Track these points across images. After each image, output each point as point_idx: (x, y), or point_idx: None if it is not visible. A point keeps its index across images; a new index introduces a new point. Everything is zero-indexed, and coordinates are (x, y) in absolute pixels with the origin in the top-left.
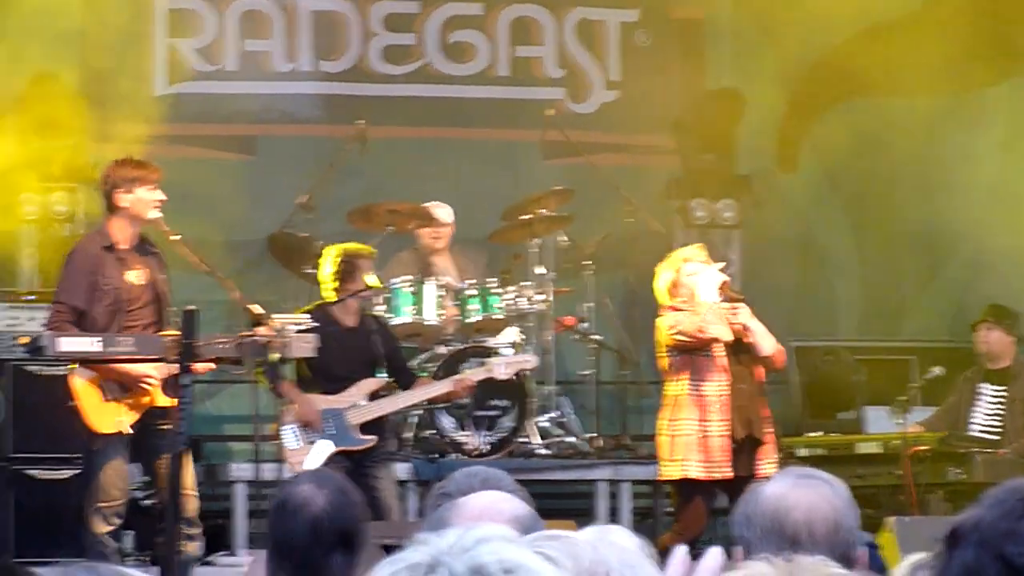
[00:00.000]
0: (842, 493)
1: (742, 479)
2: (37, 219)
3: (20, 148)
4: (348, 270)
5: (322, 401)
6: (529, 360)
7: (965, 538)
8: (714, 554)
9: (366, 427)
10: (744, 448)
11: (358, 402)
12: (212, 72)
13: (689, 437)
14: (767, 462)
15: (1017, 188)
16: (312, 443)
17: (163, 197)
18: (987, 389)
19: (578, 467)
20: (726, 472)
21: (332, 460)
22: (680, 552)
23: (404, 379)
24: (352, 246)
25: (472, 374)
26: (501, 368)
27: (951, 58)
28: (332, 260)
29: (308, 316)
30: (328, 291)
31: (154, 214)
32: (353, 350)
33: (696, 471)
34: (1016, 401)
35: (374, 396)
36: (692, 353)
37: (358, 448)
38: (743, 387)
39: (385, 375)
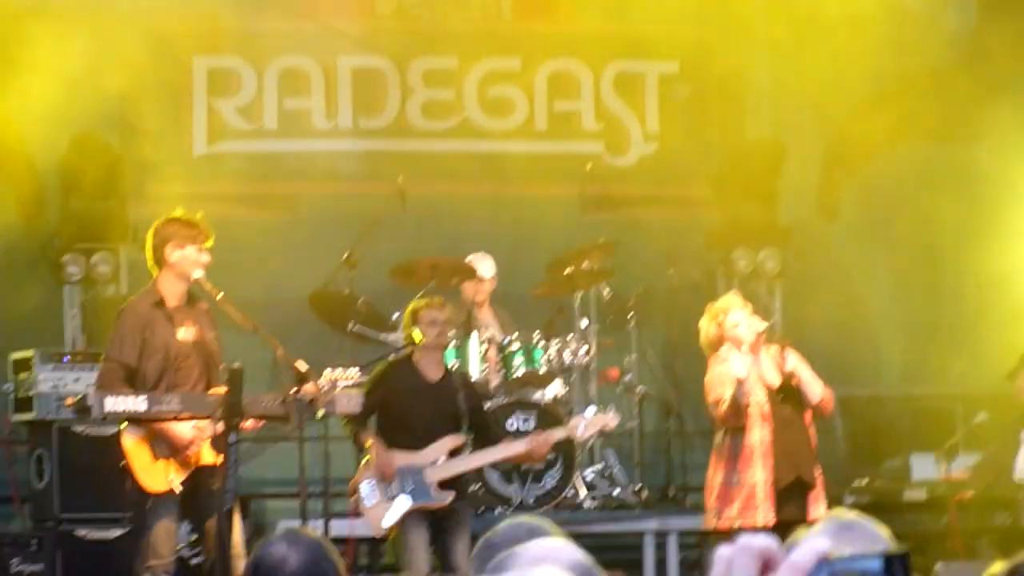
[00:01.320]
0: (882, 546)
1: (791, 524)
2: (80, 280)
3: (61, 209)
4: (412, 323)
5: (402, 457)
6: (610, 420)
7: None
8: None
9: (445, 484)
10: (793, 493)
11: (438, 459)
12: (252, 131)
13: (732, 486)
14: (817, 506)
15: None
16: (391, 499)
17: (209, 259)
18: None
19: (625, 519)
20: (769, 519)
21: (410, 516)
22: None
23: (487, 437)
24: (418, 302)
25: (551, 434)
26: (581, 429)
27: (991, 104)
28: (404, 316)
29: (391, 369)
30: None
31: (197, 273)
32: (435, 405)
33: (739, 522)
34: None
35: (454, 454)
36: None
37: (436, 505)
38: (790, 432)
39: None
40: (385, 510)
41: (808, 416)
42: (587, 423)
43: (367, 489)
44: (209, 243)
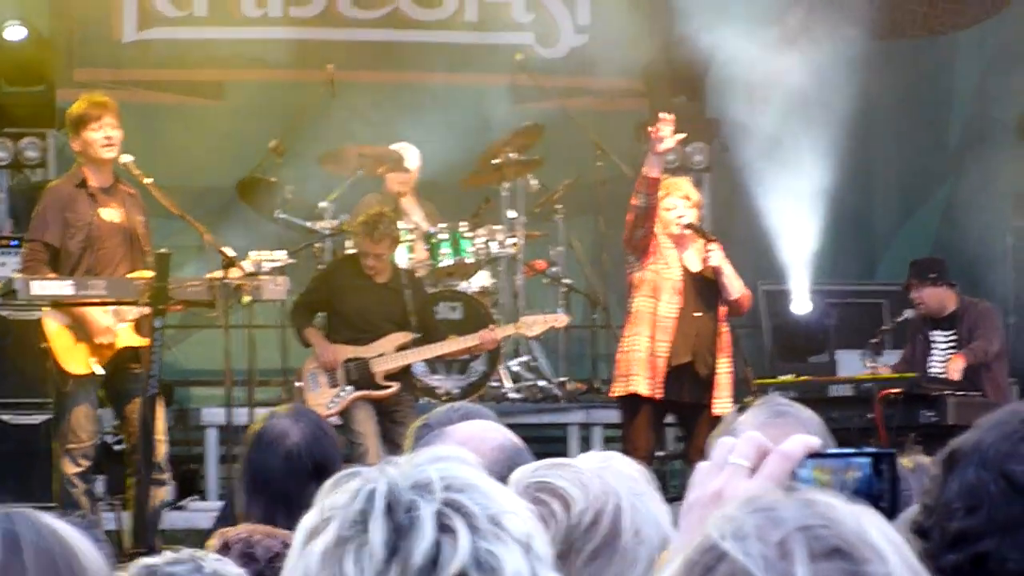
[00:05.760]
0: (815, 428)
1: (691, 406)
2: (7, 165)
3: None
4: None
5: (348, 350)
6: (560, 319)
7: (965, 459)
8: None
9: (390, 376)
10: (686, 376)
11: (384, 352)
12: (181, 18)
13: (638, 354)
14: (721, 400)
15: (993, 133)
16: (334, 387)
17: (111, 134)
18: (938, 336)
19: (550, 411)
20: (657, 391)
21: (356, 405)
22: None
23: (432, 336)
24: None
25: (500, 331)
26: (531, 326)
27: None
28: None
29: (337, 267)
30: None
31: (121, 156)
32: (382, 304)
33: (642, 387)
34: (967, 342)
35: (401, 349)
36: (648, 262)
37: (380, 395)
38: (696, 319)
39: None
40: (327, 398)
41: (722, 311)
42: (536, 322)
43: (311, 378)
44: (109, 119)
